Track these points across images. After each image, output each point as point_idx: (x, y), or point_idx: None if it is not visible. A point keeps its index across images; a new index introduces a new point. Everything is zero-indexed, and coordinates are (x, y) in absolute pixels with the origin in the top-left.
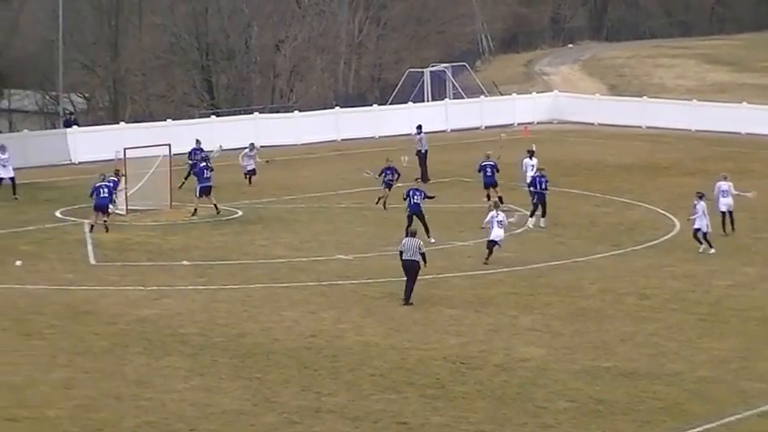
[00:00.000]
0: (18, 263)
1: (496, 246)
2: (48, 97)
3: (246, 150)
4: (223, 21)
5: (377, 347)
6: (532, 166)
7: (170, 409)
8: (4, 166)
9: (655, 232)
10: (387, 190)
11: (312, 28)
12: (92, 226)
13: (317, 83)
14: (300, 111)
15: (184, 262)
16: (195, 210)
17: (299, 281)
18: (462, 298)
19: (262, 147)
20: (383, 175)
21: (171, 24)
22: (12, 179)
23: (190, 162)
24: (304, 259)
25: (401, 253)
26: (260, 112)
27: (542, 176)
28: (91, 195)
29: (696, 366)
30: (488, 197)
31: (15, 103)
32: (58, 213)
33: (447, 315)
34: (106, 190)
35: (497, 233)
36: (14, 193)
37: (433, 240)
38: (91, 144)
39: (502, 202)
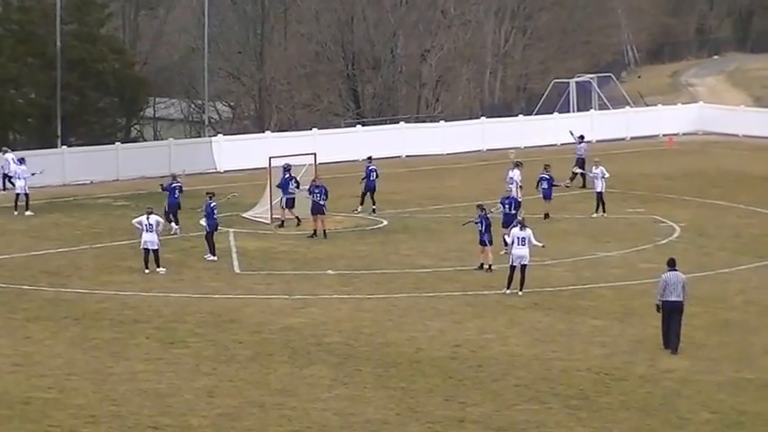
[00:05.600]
0: (161, 270)
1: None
2: (193, 105)
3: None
4: (368, 30)
5: (521, 358)
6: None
7: (314, 418)
8: (20, 178)
9: None
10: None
11: (458, 38)
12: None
13: (462, 93)
14: (446, 121)
15: (329, 271)
16: (281, 222)
17: (445, 290)
18: (607, 309)
19: (408, 156)
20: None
21: (316, 33)
22: (26, 195)
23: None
24: (449, 269)
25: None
26: (406, 122)
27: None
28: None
29: None
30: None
31: (160, 111)
32: (202, 222)
33: (591, 326)
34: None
35: (519, 253)
36: (16, 209)
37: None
38: (236, 153)
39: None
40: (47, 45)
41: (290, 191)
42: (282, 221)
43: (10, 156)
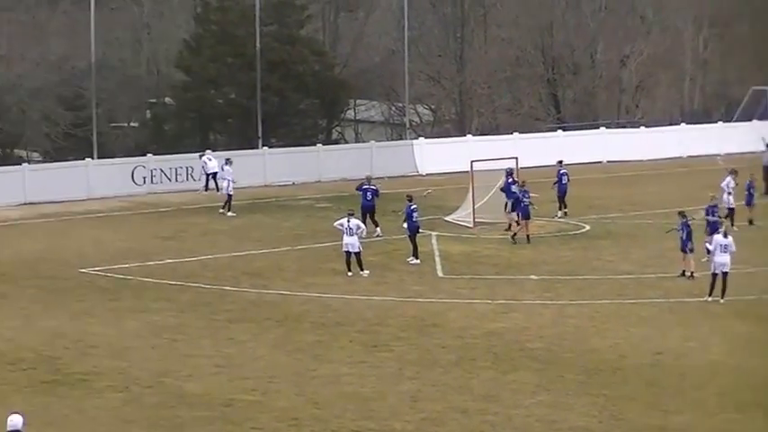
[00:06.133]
0: (364, 273)
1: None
2: (393, 108)
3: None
4: (568, 35)
5: (723, 366)
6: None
7: (516, 424)
8: (224, 179)
9: None
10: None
11: (657, 44)
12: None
13: (662, 99)
14: (646, 126)
15: (532, 276)
16: (510, 226)
17: (647, 297)
18: None
19: (609, 162)
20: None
21: (516, 37)
22: (229, 196)
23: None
24: (652, 275)
25: None
26: (606, 128)
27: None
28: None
29: None
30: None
31: (361, 113)
32: (404, 225)
33: None
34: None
35: (722, 260)
36: (224, 207)
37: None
38: (437, 156)
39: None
40: (246, 46)
41: (513, 192)
42: (510, 224)
43: (206, 157)
